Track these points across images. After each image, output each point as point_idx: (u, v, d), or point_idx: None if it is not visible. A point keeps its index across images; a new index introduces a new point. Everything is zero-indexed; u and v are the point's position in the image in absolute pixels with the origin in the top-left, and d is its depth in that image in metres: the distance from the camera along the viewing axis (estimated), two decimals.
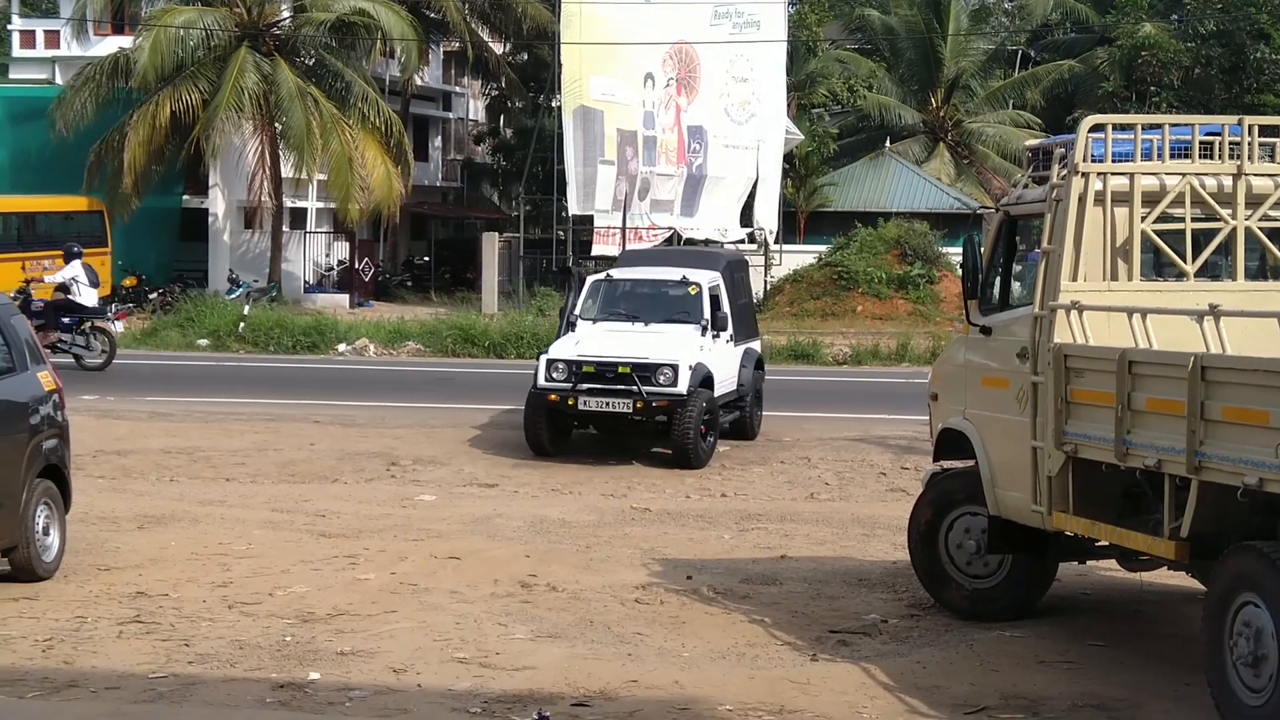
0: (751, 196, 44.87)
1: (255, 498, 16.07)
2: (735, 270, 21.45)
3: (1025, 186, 11.06)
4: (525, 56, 52.30)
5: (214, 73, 40.28)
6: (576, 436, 19.68)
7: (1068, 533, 10.24)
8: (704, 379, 18.55)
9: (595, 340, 19.02)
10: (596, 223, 39.94)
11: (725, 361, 19.64)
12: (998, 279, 11.22)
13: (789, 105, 47.12)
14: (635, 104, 41.05)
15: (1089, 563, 11.71)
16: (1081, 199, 10.06)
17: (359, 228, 45.36)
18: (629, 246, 36.84)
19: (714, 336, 19.39)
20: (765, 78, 44.60)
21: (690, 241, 44.29)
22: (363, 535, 14.05)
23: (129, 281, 41.24)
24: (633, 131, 40.73)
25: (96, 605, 11.43)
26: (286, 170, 41.70)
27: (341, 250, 47.10)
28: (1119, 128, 10.30)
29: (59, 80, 46.85)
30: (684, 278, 19.83)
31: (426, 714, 8.88)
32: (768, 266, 45.28)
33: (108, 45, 44.48)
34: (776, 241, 46.05)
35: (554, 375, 18.42)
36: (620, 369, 18.27)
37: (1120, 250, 10.22)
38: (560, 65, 40.18)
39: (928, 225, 43.48)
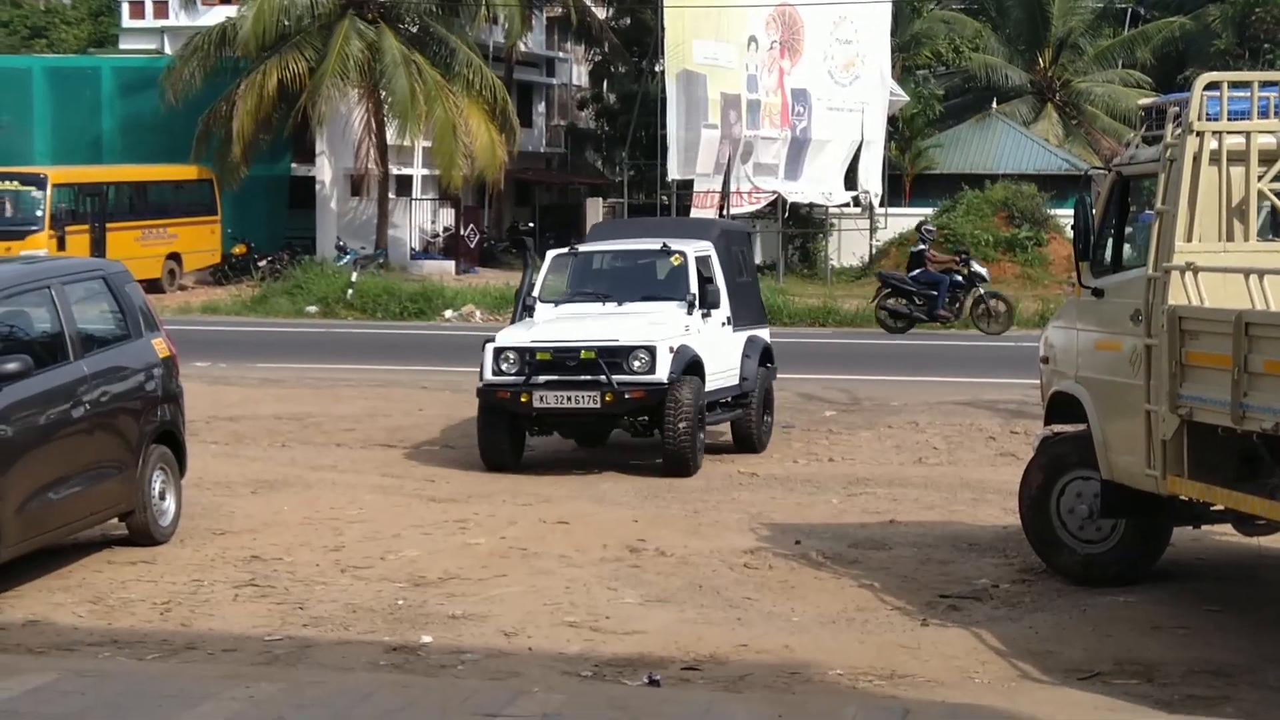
0: (856, 159, 44.62)
1: (366, 463, 16.23)
2: (733, 242, 17.95)
3: (1138, 146, 10.92)
4: (628, 21, 52.22)
5: (319, 41, 40.58)
6: None
7: (1182, 497, 10.11)
8: (691, 364, 15.42)
9: (554, 324, 15.83)
10: (696, 186, 39.85)
11: (720, 348, 16.37)
12: (1110, 241, 11.09)
13: (893, 67, 46.73)
14: (738, 67, 40.89)
15: (1204, 527, 11.55)
16: (1196, 158, 9.90)
17: (464, 194, 45.56)
18: (700, 214, 36.54)
19: (704, 316, 16.06)
20: (869, 39, 44.28)
21: (795, 206, 44.20)
22: (472, 500, 14.14)
23: (238, 250, 41.73)
24: (736, 95, 40.58)
25: (212, 569, 11.61)
26: (391, 137, 41.96)
27: (447, 217, 47.36)
28: (1235, 85, 10.12)
29: (168, 50, 47.43)
30: (665, 246, 16.44)
31: (538, 677, 8.93)
32: (873, 230, 45.05)
33: (215, 15, 44.90)
34: (881, 204, 45.76)
35: (503, 367, 15.24)
36: (584, 354, 15.11)
37: (1236, 210, 10.06)
38: (663, 29, 40.09)
39: (1035, 187, 43.06)
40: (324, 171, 45.53)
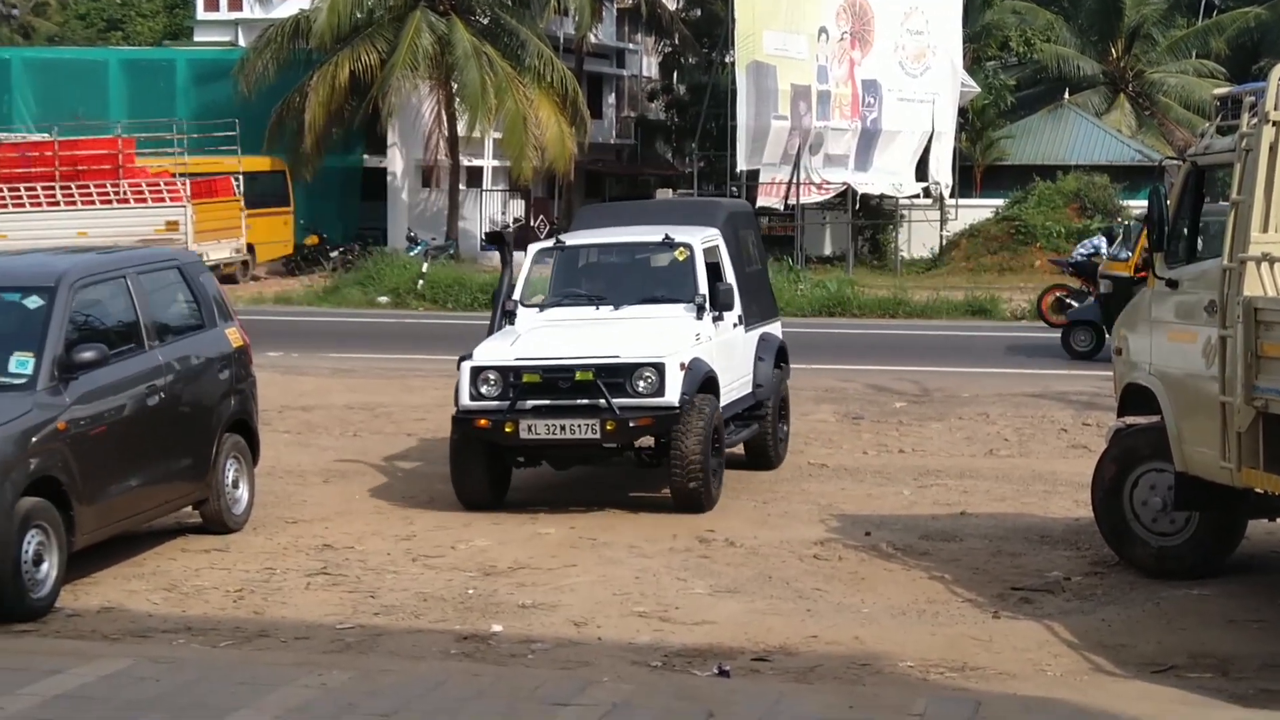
0: (926, 150, 44.41)
1: (436, 452, 16.27)
2: (740, 226, 15.56)
3: (1213, 136, 10.82)
4: (699, 12, 52.18)
5: (391, 33, 40.74)
6: None
7: (1257, 490, 10.00)
8: (705, 381, 13.20)
9: (541, 336, 13.47)
10: (762, 176, 39.75)
11: (734, 355, 14.29)
12: (1184, 231, 10.99)
13: (964, 57, 46.46)
14: (809, 58, 40.76)
15: (1279, 520, 11.46)
16: (1273, 148, 9.76)
17: (534, 185, 45.64)
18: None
19: (715, 319, 13.84)
20: (940, 30, 44.04)
21: (865, 197, 44.00)
22: (541, 489, 14.17)
23: (311, 240, 42.02)
24: (806, 86, 40.46)
25: (285, 557, 11.71)
26: (462, 129, 42.09)
27: (517, 208, 47.45)
28: None
29: (242, 42, 47.74)
30: (667, 238, 14.13)
31: (608, 667, 8.95)
32: (944, 221, 44.89)
33: (289, 7, 45.18)
34: (952, 196, 45.55)
35: (483, 390, 12.90)
36: (579, 375, 12.78)
37: None
38: (734, 20, 40.03)
39: (1108, 178, 42.78)
40: (395, 163, 45.74)
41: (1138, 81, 54.11)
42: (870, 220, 45.85)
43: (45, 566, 10.01)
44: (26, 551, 9.82)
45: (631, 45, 57.96)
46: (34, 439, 10.02)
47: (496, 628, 9.81)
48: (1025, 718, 7.78)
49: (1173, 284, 10.76)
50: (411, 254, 39.36)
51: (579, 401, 12.78)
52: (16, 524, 9.74)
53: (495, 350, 13.26)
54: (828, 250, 45.50)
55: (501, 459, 13.31)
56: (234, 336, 12.69)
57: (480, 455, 13.15)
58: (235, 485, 12.43)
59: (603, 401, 12.70)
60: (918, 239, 45.04)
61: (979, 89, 47.71)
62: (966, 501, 13.81)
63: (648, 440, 13.37)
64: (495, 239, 15.57)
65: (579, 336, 13.32)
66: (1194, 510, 10.81)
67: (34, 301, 10.73)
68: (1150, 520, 11.07)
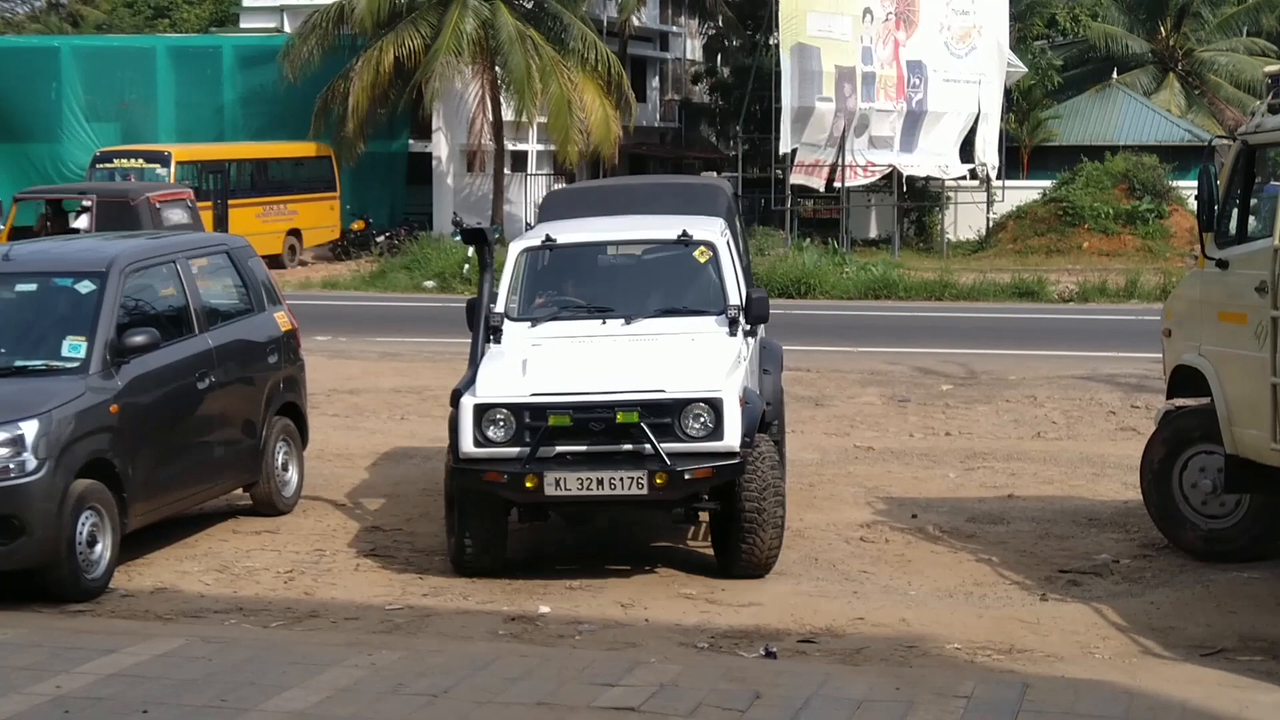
0: (972, 132, 44.21)
1: None
2: (734, 213, 12.99)
3: (1264, 115, 10.74)
4: None
5: (434, 17, 40.78)
6: None
7: None
8: (760, 417, 10.71)
9: (554, 361, 10.67)
10: (800, 156, 39.58)
11: (753, 373, 11.43)
12: (1234, 211, 10.92)
13: (1010, 37, 46.21)
14: (853, 39, 40.62)
15: None
16: None
17: (578, 169, 45.65)
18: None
19: (746, 335, 11.22)
20: (986, 9, 43.81)
21: (910, 179, 43.79)
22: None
23: (357, 225, 42.16)
24: (850, 68, 40.34)
25: (334, 538, 11.79)
26: (507, 113, 42.14)
27: None
28: None
29: (287, 28, 47.89)
30: (684, 234, 11.49)
31: (655, 648, 8.98)
32: (990, 203, 44.68)
33: None
34: (999, 177, 45.35)
35: (491, 434, 10.13)
36: (620, 415, 10.01)
37: None
38: (777, 2, 39.94)
39: (1157, 159, 42.49)
40: (440, 148, 45.82)
41: (1187, 60, 53.74)
42: (916, 203, 45.71)
43: (99, 548, 10.12)
44: (81, 533, 9.93)
45: (675, 28, 57.91)
46: (87, 422, 10.11)
47: (544, 609, 9.85)
48: (1073, 700, 7.75)
49: (1223, 264, 10.69)
50: (457, 239, 39.42)
51: (620, 447, 10.08)
52: (71, 506, 9.85)
53: (503, 381, 10.39)
54: (873, 233, 45.38)
55: (505, 514, 10.67)
56: (283, 320, 12.77)
57: (488, 514, 10.49)
58: (285, 468, 12.53)
59: (649, 448, 10.00)
60: (964, 221, 44.88)
61: (1025, 69, 47.45)
62: (1014, 484, 13.78)
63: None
64: (473, 237, 12.12)
65: (602, 363, 10.61)
66: (1244, 493, 10.75)
67: (86, 286, 10.82)
68: (1200, 503, 11.03)
